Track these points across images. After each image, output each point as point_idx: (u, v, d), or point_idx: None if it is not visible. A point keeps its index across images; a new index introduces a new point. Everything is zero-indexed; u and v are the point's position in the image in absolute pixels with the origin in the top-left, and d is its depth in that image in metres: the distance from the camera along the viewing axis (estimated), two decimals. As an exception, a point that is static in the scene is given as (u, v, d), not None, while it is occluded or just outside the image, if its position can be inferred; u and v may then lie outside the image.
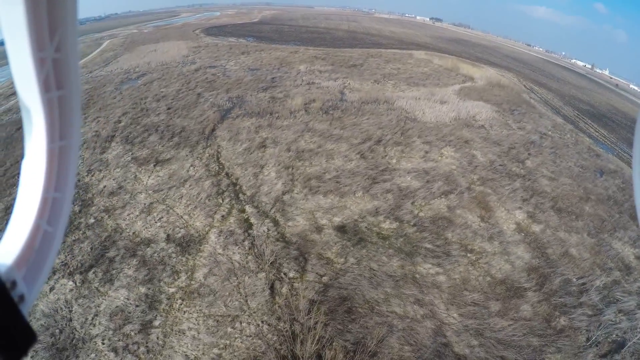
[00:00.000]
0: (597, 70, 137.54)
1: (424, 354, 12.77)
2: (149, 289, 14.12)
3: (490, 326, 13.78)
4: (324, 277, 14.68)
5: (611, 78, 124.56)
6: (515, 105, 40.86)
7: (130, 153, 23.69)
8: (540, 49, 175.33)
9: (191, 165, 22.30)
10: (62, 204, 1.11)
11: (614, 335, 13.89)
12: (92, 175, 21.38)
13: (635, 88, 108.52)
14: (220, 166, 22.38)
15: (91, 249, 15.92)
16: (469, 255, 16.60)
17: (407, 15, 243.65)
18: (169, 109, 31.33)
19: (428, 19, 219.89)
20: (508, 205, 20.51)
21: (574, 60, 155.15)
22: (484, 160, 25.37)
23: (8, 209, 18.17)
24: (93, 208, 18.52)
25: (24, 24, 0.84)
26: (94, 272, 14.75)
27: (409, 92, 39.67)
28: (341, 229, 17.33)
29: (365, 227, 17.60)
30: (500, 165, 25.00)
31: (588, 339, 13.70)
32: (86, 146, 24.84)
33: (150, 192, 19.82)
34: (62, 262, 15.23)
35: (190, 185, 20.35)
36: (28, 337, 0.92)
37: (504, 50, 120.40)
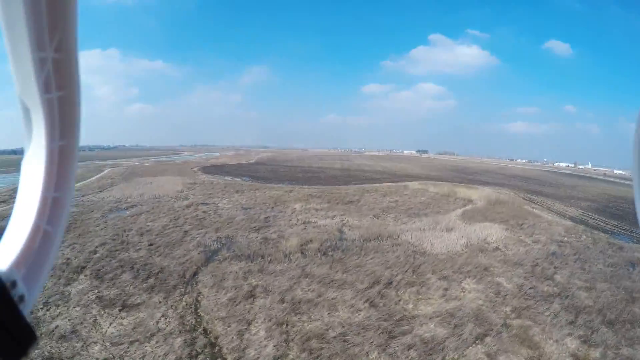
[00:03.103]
0: (580, 167, 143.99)
1: None
2: None
3: None
4: None
5: (595, 170, 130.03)
6: (522, 219, 40.07)
7: (97, 290, 20.21)
8: (524, 161, 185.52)
9: (162, 315, 18.35)
10: (62, 204, 1.10)
11: None
12: (47, 310, 18.02)
13: (620, 172, 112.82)
14: (198, 319, 18.38)
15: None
16: (531, 422, 12.35)
17: (395, 150, 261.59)
18: (150, 245, 28.56)
19: (415, 152, 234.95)
20: (555, 334, 17.02)
21: (557, 163, 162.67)
22: (511, 286, 22.24)
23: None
24: (36, 352, 14.63)
25: (24, 24, 0.83)
26: None
27: (412, 224, 37.83)
28: (357, 415, 12.95)
29: (390, 408, 13.28)
30: (530, 288, 21.94)
31: None
32: (51, 274, 21.39)
33: (107, 344, 15.79)
34: None
35: (157, 342, 16.18)
36: (28, 337, 0.90)
37: (491, 169, 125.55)
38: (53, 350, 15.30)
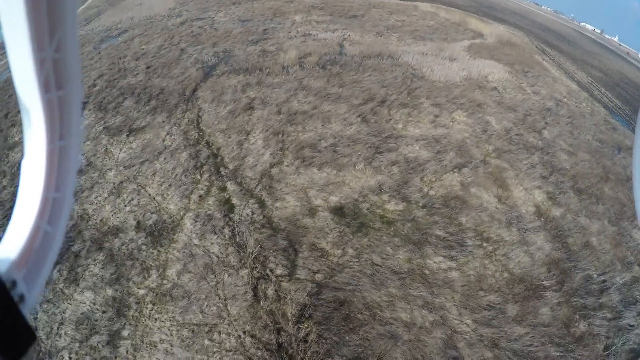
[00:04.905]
0: (607, 36, 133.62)
1: (432, 370, 10.84)
2: (117, 290, 11.96)
3: (507, 334, 11.92)
4: (317, 275, 12.25)
5: (620, 45, 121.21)
6: (528, 67, 38.08)
7: (103, 122, 20.53)
8: (549, 9, 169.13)
9: (167, 134, 19.20)
10: (62, 204, 1.12)
11: (631, 342, 12.49)
12: (61, 150, 18.67)
13: None
14: (200, 133, 19.27)
15: (56, 241, 13.58)
16: (485, 244, 14.38)
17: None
18: (148, 67, 27.60)
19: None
20: (526, 183, 18.23)
21: (583, 23, 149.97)
22: (499, 128, 22.70)
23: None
24: None
25: (24, 24, 0.84)
26: (58, 271, 12.63)
27: (415, 47, 35.89)
28: (339, 211, 14.67)
29: (367, 208, 14.96)
30: (516, 134, 22.47)
31: (607, 347, 12.31)
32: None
33: (120, 168, 16.98)
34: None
35: (165, 159, 17.39)
36: (28, 337, 0.91)
37: (512, 7, 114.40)
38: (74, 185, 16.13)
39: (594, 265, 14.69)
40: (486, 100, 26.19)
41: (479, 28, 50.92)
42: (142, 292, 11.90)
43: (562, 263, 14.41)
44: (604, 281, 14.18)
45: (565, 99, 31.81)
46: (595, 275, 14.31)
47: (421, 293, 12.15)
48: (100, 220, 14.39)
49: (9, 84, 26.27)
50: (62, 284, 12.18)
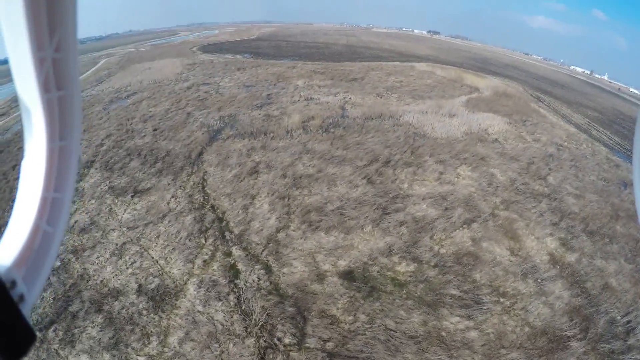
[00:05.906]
0: (597, 76, 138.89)
1: None
2: (114, 356, 11.43)
3: (535, 395, 11.11)
4: (328, 343, 11.73)
5: (610, 83, 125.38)
6: (526, 116, 39.15)
7: (108, 181, 21.08)
8: (539, 57, 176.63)
9: (172, 197, 19.50)
10: (62, 204, 1.11)
11: (664, 383, 11.59)
12: (65, 207, 18.93)
13: (635, 91, 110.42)
14: (205, 197, 19.52)
15: (54, 299, 13.31)
16: (502, 300, 13.82)
17: (404, 29, 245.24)
18: (155, 130, 28.89)
19: (426, 32, 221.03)
20: (538, 232, 17.88)
21: (572, 67, 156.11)
22: (504, 179, 22.74)
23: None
24: (61, 248, 15.70)
25: (24, 24, 0.84)
26: (54, 330, 12.19)
27: (415, 106, 37.19)
28: (348, 275, 14.36)
29: (377, 271, 14.63)
30: (522, 184, 22.44)
31: (639, 393, 11.39)
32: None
33: (124, 229, 17.06)
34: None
35: (169, 222, 17.48)
36: (28, 337, 0.91)
37: (504, 60, 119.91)
38: (76, 244, 16.21)
39: (616, 307, 14.13)
40: (489, 152, 26.53)
41: (474, 83, 52.99)
42: (141, 359, 11.44)
43: (584, 309, 13.86)
44: (628, 322, 13.55)
45: (565, 143, 32.26)
46: (619, 317, 13.71)
47: (439, 357, 11.54)
48: (101, 281, 14.19)
49: (18, 136, 27.16)
50: (57, 345, 11.76)
